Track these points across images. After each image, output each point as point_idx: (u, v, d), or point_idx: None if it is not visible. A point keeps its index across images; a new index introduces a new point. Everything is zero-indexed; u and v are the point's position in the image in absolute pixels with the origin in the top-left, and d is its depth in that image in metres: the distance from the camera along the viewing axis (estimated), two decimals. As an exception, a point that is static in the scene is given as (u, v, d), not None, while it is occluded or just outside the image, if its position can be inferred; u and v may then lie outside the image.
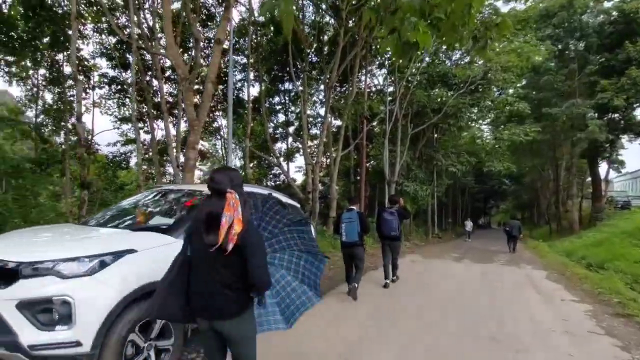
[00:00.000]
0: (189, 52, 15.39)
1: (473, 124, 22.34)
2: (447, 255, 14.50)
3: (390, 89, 18.19)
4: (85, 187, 8.61)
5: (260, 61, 16.70)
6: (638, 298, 7.34)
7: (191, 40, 13.76)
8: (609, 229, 20.09)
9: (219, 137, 21.58)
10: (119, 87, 16.10)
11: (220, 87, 18.81)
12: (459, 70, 18.00)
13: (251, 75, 18.14)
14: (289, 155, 21.91)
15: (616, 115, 24.47)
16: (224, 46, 12.42)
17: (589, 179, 31.19)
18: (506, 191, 44.09)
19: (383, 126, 17.60)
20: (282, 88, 19.64)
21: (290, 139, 20.71)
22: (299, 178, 24.77)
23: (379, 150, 17.97)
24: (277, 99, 20.87)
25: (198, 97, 13.18)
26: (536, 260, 14.47)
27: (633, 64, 21.91)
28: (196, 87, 17.25)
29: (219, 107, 19.32)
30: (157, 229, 3.43)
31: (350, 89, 15.55)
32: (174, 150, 10.83)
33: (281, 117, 21.94)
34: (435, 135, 22.19)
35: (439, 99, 18.03)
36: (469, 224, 24.88)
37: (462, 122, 19.90)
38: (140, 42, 9.77)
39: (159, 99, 12.36)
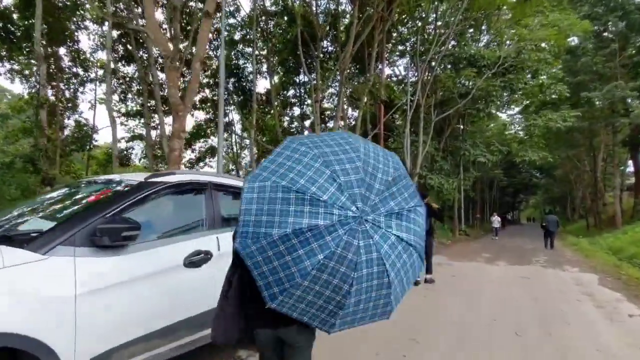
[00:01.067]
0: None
1: (503, 111, 20.23)
2: (478, 256, 12.38)
3: (413, 78, 16.60)
4: (46, 183, 7.50)
5: (272, 52, 15.53)
6: None
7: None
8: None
9: (230, 132, 20.65)
10: (121, 81, 15.06)
11: (232, 79, 17.84)
12: (488, 52, 15.97)
13: (264, 68, 17.11)
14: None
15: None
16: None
17: (629, 169, 28.40)
18: (536, 185, 40.98)
19: (404, 117, 15.94)
20: (298, 80, 18.22)
21: (306, 133, 19.44)
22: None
23: (400, 143, 16.33)
24: (292, 91, 19.54)
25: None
26: (581, 261, 12.27)
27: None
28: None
29: (230, 101, 18.33)
30: (16, 239, 2.03)
31: (368, 75, 14.09)
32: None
33: (297, 111, 20.62)
34: (461, 127, 20.20)
35: (466, 83, 16.11)
36: (496, 220, 21.73)
37: (493, 108, 17.66)
38: (120, 18, 8.65)
39: (163, 92, 11.34)
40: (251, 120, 14.20)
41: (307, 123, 18.64)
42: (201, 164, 22.08)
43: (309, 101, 18.46)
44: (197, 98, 18.21)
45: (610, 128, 23.50)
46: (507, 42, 16.98)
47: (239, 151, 20.15)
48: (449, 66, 16.48)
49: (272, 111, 17.92)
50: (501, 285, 7.43)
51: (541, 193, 47.32)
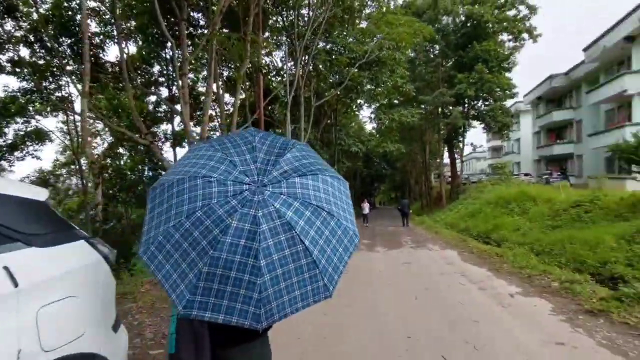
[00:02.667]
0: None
1: (369, 105, 22.03)
2: (360, 244, 12.83)
3: (291, 70, 15.88)
4: None
5: (126, 13, 12.22)
6: (572, 277, 6.39)
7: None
8: (476, 201, 21.77)
9: (67, 112, 15.66)
10: None
11: (67, 40, 13.10)
12: (357, 46, 16.63)
13: (115, 33, 13.43)
14: (177, 140, 16.38)
15: (467, 105, 27.49)
16: None
17: (445, 161, 35.05)
18: (386, 174, 47.38)
19: (284, 110, 15.13)
20: (164, 55, 14.79)
21: (177, 119, 16.20)
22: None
23: (281, 134, 15.55)
24: (157, 68, 15.96)
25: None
26: (436, 238, 14.03)
27: (479, 61, 24.62)
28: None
29: (65, 68, 13.43)
30: None
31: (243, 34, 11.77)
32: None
33: (165, 92, 16.88)
34: (334, 120, 20.97)
35: (339, 76, 16.56)
36: (366, 207, 22.03)
37: (362, 98, 18.76)
38: None
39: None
40: (110, 103, 10.52)
41: (178, 107, 15.35)
42: (17, 153, 16.13)
43: (180, 82, 15.35)
44: (5, 57, 12.50)
45: (435, 128, 28.34)
46: (372, 40, 18.17)
47: (79, 139, 15.24)
48: (324, 54, 16.61)
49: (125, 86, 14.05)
50: (391, 276, 7.45)
51: (388, 182, 54.92)
